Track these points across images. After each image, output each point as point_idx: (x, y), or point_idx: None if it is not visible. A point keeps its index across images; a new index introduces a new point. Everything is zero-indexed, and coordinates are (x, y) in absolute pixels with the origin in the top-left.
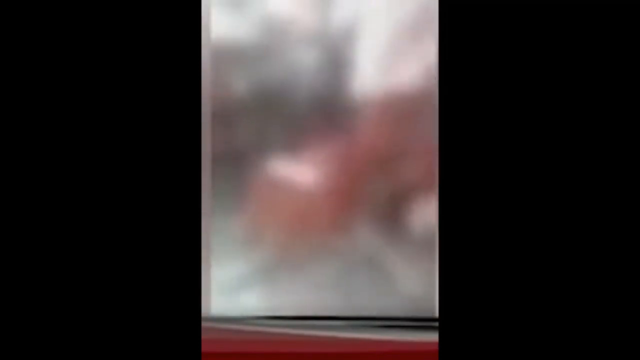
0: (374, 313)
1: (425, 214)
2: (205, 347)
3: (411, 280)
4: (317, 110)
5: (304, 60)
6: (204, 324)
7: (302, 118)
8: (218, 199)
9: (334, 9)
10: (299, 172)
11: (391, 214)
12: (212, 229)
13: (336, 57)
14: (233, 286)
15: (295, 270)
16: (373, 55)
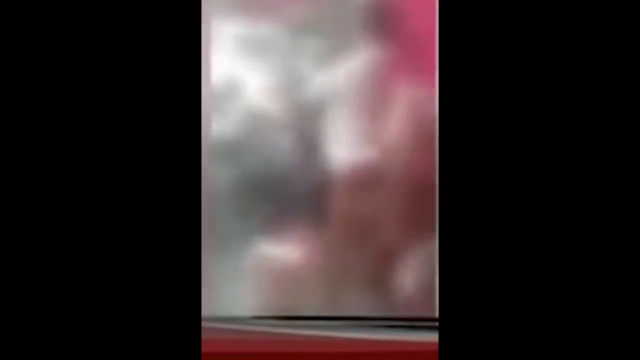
0: (373, 314)
1: (409, 271)
2: (205, 347)
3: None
4: (297, 190)
5: (282, 147)
6: (204, 324)
7: (284, 199)
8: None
9: (304, 93)
10: (285, 250)
11: (378, 276)
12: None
13: (310, 137)
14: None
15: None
16: (344, 131)
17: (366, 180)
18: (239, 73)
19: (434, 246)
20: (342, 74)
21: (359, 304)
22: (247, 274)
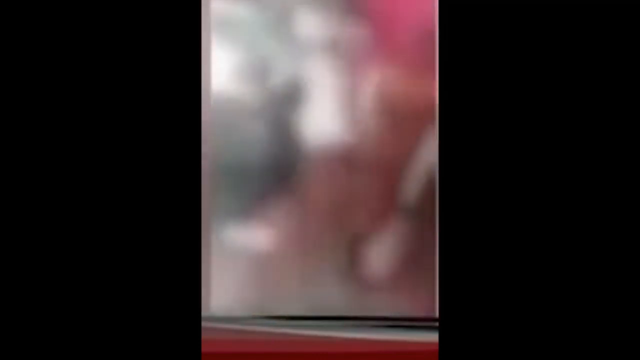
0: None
1: (382, 255)
2: (205, 347)
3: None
4: (270, 176)
5: (253, 132)
6: (204, 324)
7: (257, 186)
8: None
9: (274, 78)
10: (260, 236)
11: (351, 259)
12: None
13: (282, 122)
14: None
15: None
16: (317, 114)
17: (345, 164)
18: (214, 55)
19: (403, 230)
20: (318, 57)
21: (337, 292)
22: (226, 261)
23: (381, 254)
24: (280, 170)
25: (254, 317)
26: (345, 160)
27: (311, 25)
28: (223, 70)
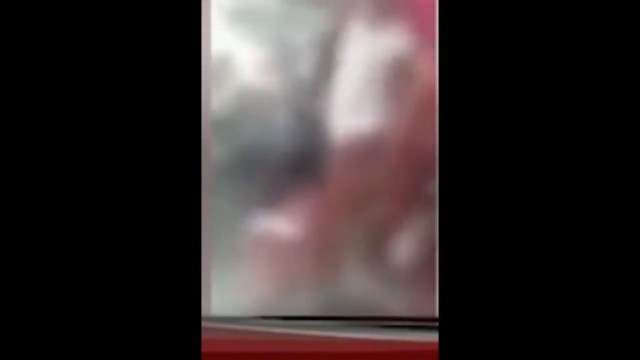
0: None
1: (404, 247)
2: (205, 347)
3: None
4: (291, 165)
5: (277, 121)
6: (204, 324)
7: (279, 174)
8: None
9: (301, 66)
10: (281, 225)
11: (373, 250)
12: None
13: (305, 111)
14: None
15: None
16: (341, 104)
17: (365, 154)
18: (235, 46)
19: (431, 222)
20: (341, 46)
21: (356, 281)
22: (244, 256)
23: (402, 248)
24: (291, 166)
25: (254, 317)
26: (369, 150)
27: (334, 14)
28: (247, 56)
